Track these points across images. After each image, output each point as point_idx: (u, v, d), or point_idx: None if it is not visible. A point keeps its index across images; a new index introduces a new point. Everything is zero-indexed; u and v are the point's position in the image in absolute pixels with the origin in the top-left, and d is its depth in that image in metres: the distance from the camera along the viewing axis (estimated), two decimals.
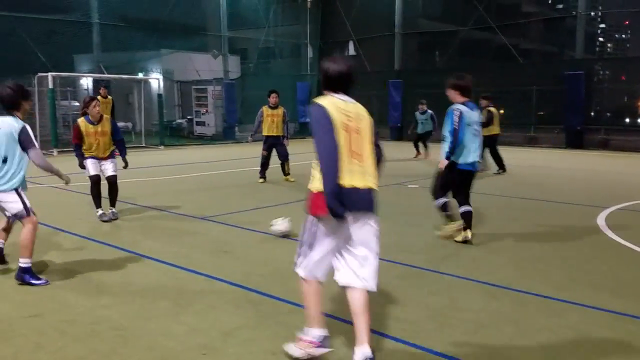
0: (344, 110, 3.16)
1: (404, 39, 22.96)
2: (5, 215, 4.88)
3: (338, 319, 3.80)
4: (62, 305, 4.18)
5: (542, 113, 19.67)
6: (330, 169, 3.02)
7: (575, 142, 17.90)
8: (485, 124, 10.09)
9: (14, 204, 4.66)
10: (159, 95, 19.15)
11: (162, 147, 18.19)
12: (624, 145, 17.38)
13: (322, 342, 3.26)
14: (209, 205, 8.31)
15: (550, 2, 23.05)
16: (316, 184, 3.13)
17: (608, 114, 19.06)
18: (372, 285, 3.21)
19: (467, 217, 5.94)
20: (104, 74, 18.78)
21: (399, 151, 16.30)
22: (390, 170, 11.91)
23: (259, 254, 5.63)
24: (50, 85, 15.74)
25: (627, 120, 19.55)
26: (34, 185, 9.52)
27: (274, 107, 10.39)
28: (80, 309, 4.10)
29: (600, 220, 7.14)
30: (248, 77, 24.15)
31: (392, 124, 22.36)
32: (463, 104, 5.92)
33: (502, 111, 12.40)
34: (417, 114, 15.20)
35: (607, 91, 19.18)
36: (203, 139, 21.30)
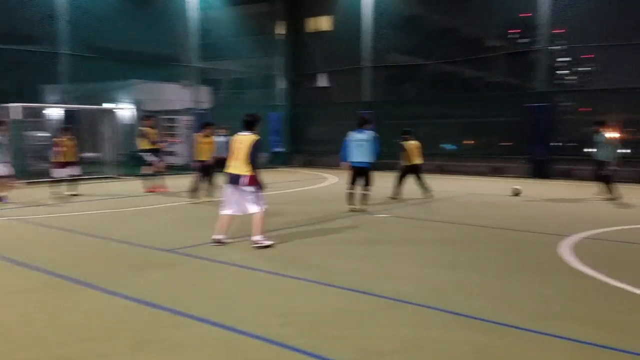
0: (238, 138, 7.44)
1: (374, 72, 23.37)
2: None
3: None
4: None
5: (508, 143, 20.12)
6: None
7: (540, 171, 18.32)
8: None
9: None
10: (128, 125, 18.96)
11: (129, 177, 17.90)
12: (588, 175, 17.81)
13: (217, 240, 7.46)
14: (175, 236, 8.14)
15: (514, 36, 23.91)
16: (251, 171, 7.20)
17: (573, 145, 19.57)
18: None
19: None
20: (73, 104, 18.51)
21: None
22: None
23: (225, 286, 5.51)
24: (17, 116, 15.42)
25: (592, 150, 20.07)
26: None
27: None
28: None
29: (566, 249, 7.24)
30: (219, 107, 24.14)
31: None
32: (355, 130, 10.40)
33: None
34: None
35: (572, 122, 19.78)
36: (173, 169, 21.05)
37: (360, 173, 10.46)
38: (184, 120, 21.53)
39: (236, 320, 4.45)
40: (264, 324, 4.40)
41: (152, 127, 14.00)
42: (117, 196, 13.36)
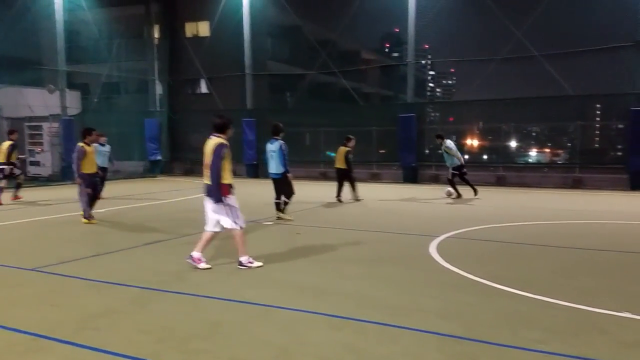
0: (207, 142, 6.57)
1: (254, 80, 23.44)
2: None
3: None
4: None
5: (383, 151, 21.25)
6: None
7: (411, 177, 19.58)
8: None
9: None
10: None
11: None
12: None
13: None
14: (38, 253, 7.55)
15: (386, 50, 25.38)
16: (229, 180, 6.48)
17: (439, 152, 21.10)
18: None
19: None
20: None
21: (256, 189, 16.43)
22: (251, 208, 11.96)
23: (93, 306, 5.23)
24: None
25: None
26: None
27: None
28: None
29: (432, 248, 7.83)
30: (90, 113, 22.74)
31: (248, 162, 22.50)
32: (269, 140, 10.60)
33: None
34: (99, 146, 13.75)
35: (437, 131, 21.36)
36: (38, 180, 19.47)
37: (275, 183, 10.65)
38: (50, 127, 19.98)
39: (105, 341, 4.24)
40: (136, 343, 4.24)
41: (15, 141, 14.01)
42: None
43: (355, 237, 8.97)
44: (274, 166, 10.53)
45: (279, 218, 10.68)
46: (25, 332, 4.43)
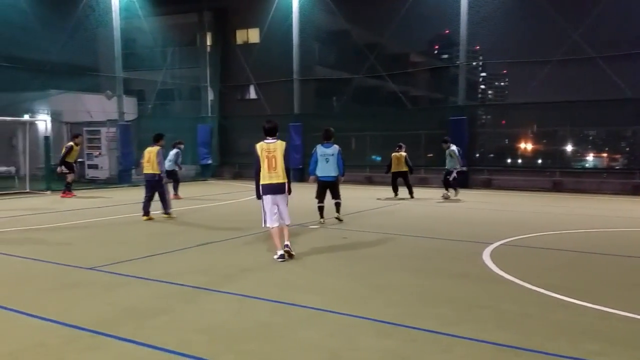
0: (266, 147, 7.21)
1: (302, 85, 23.60)
2: None
3: None
4: None
5: (431, 155, 20.92)
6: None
7: (461, 181, 19.12)
8: None
9: None
10: (46, 138, 18.08)
11: (48, 192, 17.01)
12: (506, 184, 18.89)
13: (282, 255, 7.16)
14: (96, 253, 7.84)
15: (435, 52, 25.03)
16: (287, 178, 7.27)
17: (490, 156, 20.65)
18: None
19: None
20: None
21: (301, 193, 16.49)
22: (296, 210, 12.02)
23: (148, 304, 5.38)
24: None
25: (508, 160, 21.31)
26: None
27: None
28: None
29: (485, 256, 7.62)
30: (145, 118, 23.51)
31: (294, 166, 22.65)
32: (322, 144, 10.70)
33: None
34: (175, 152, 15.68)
35: (489, 134, 20.88)
36: (96, 183, 20.28)
37: (329, 186, 10.82)
38: (108, 132, 20.79)
39: (160, 339, 4.34)
40: (190, 341, 4.32)
41: (78, 144, 16.15)
42: (37, 211, 12.66)
43: (404, 242, 8.86)
44: (331, 169, 10.62)
45: (321, 223, 10.69)
46: (84, 329, 4.59)
